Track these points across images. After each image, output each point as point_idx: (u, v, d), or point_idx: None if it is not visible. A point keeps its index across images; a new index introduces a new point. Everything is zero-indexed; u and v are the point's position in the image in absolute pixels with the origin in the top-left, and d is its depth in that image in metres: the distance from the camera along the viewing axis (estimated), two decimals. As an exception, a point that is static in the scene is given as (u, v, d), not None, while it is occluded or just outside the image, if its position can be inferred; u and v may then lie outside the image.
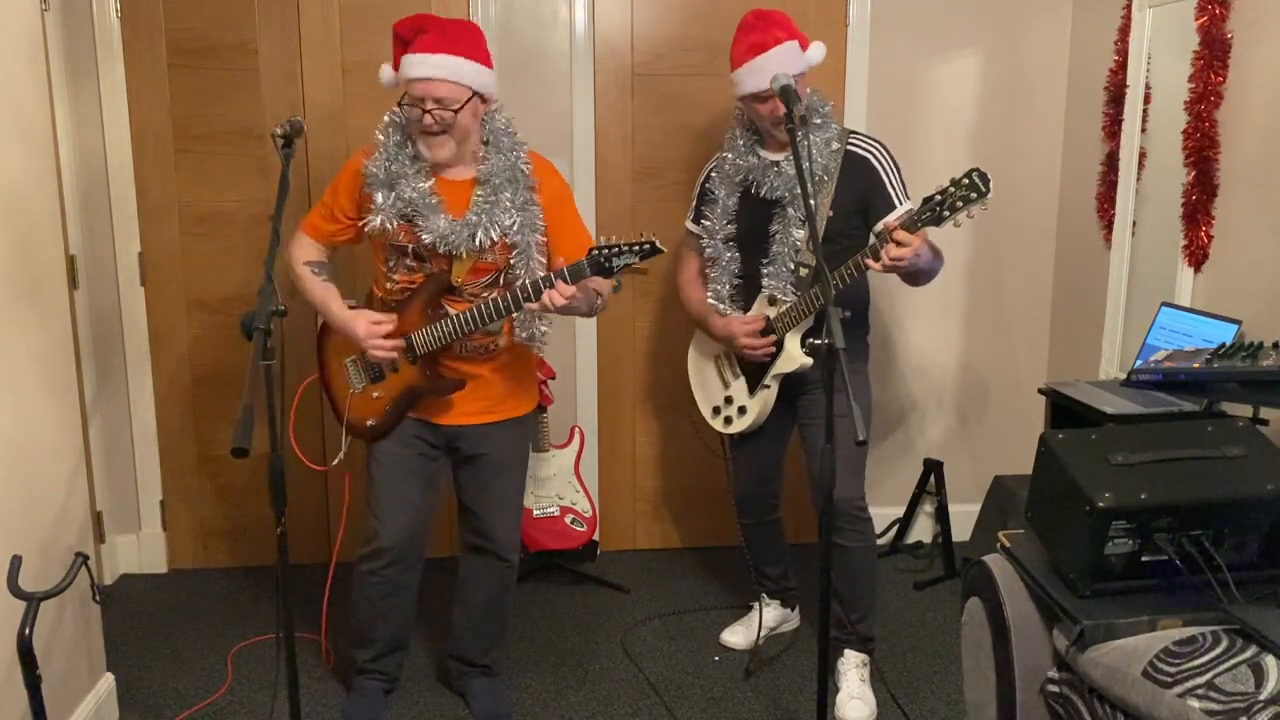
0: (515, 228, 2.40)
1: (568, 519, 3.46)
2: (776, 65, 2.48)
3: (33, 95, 2.32)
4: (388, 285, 2.48)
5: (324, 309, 2.49)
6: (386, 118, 2.42)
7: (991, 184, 2.27)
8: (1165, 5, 2.96)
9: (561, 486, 3.46)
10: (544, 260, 2.46)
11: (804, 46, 2.61)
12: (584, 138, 3.51)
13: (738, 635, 3.10)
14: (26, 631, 1.97)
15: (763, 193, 2.68)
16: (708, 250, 2.81)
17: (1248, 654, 1.56)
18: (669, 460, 3.78)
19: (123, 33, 3.31)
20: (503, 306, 2.35)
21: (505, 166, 2.40)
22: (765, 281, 2.69)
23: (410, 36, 2.32)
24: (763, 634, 3.05)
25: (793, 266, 2.65)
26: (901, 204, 2.65)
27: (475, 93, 2.33)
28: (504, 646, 2.88)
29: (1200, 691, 1.51)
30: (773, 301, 2.70)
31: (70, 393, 2.49)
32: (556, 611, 3.34)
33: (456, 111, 2.30)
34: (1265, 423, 2.34)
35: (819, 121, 2.65)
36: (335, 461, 2.54)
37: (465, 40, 2.32)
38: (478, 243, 2.38)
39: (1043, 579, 1.85)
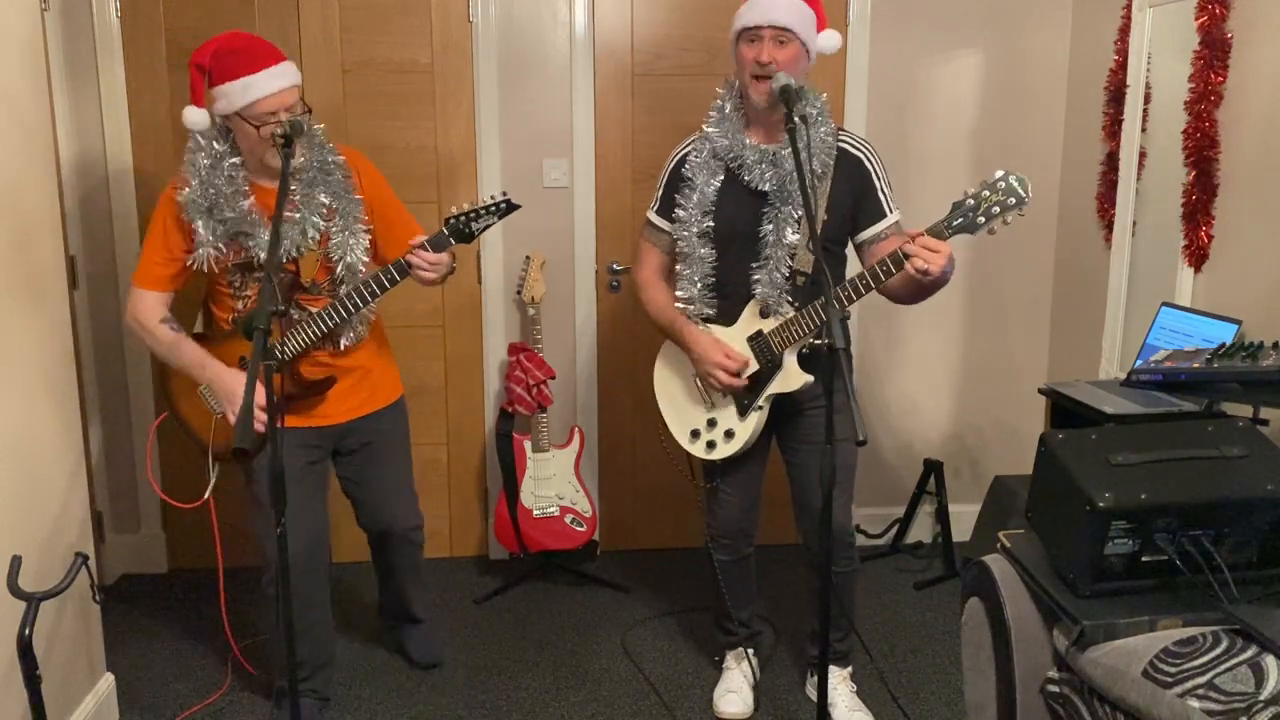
0: (334, 219, 2.43)
1: (568, 519, 3.46)
2: (785, 11, 2.33)
3: (32, 95, 2.32)
4: (238, 304, 2.48)
5: (199, 366, 2.45)
6: (190, 145, 2.39)
7: (1030, 188, 2.13)
8: (1165, 5, 2.96)
9: (561, 486, 3.46)
10: (368, 245, 2.49)
11: (820, 27, 2.44)
12: (584, 138, 3.51)
13: (735, 706, 2.73)
14: (26, 631, 1.97)
15: (752, 183, 2.43)
16: (680, 245, 2.51)
17: (1248, 654, 1.56)
18: (669, 460, 3.77)
19: (123, 33, 3.31)
20: (366, 295, 2.39)
21: (317, 161, 2.42)
22: (759, 290, 2.45)
23: (219, 62, 2.31)
24: (757, 697, 2.79)
25: (787, 273, 2.43)
26: (891, 213, 2.47)
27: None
28: (428, 598, 3.08)
29: (1200, 691, 1.51)
30: (765, 314, 2.47)
31: (70, 393, 2.50)
32: (556, 611, 3.34)
33: (307, 111, 2.35)
34: (1265, 423, 2.34)
35: (812, 113, 2.42)
36: (207, 494, 2.47)
37: (269, 46, 2.36)
38: (308, 238, 2.41)
39: (1043, 579, 1.85)
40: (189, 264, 2.42)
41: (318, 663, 2.66)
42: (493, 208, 2.32)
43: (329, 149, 2.46)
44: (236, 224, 2.37)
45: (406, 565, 2.88)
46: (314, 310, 2.44)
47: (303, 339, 2.44)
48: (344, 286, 2.46)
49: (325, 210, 2.43)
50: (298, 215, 2.40)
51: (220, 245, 2.39)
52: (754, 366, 2.50)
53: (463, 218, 2.33)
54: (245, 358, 2.45)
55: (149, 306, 2.47)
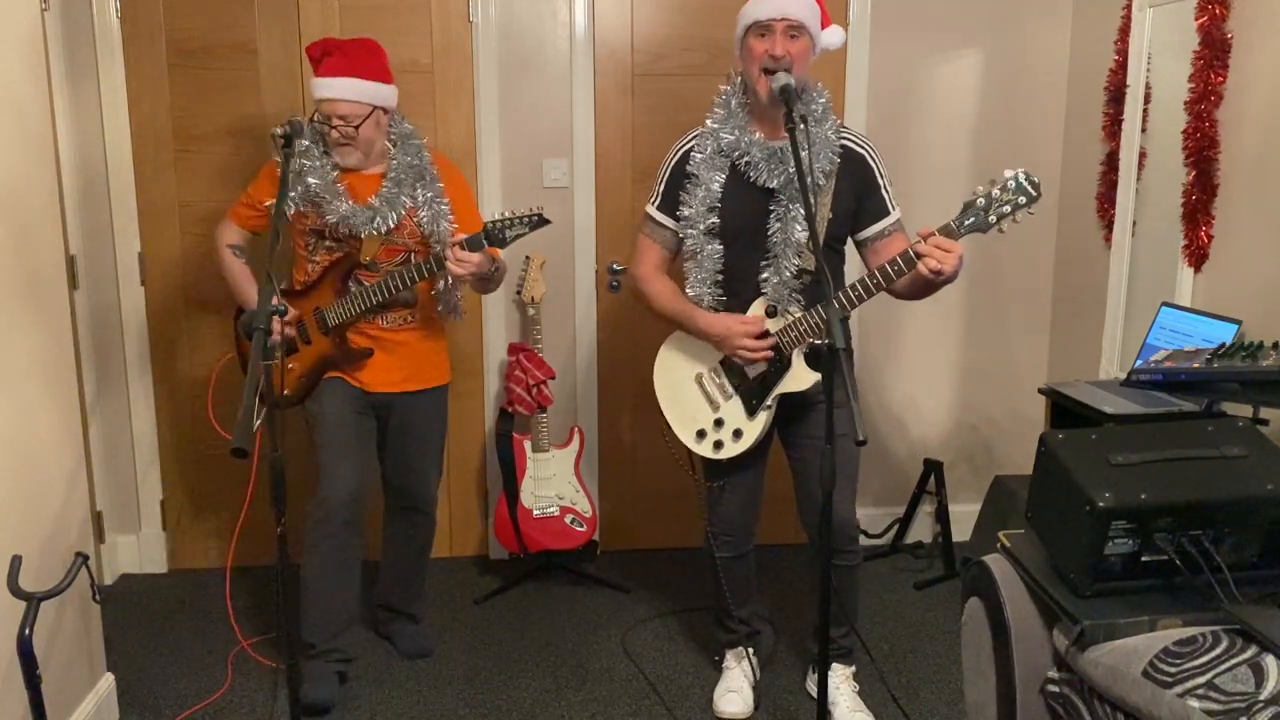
0: (427, 219, 2.70)
1: (568, 519, 3.46)
2: (797, 4, 2.32)
3: (32, 95, 2.32)
4: (309, 267, 2.77)
5: (241, 292, 2.80)
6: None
7: (1041, 186, 2.15)
8: (1165, 5, 2.96)
9: (561, 486, 3.46)
10: (451, 217, 2.73)
11: (824, 23, 2.43)
12: (584, 138, 3.52)
13: (735, 705, 2.72)
14: (26, 631, 1.97)
15: (759, 180, 2.42)
16: (689, 243, 2.51)
17: (1248, 654, 1.56)
18: (669, 460, 3.77)
19: (123, 33, 3.31)
20: (407, 279, 2.62)
21: (410, 165, 2.71)
22: (767, 289, 2.45)
23: (319, 58, 2.64)
24: (757, 697, 2.78)
25: (794, 271, 2.42)
26: (893, 211, 2.47)
27: (375, 107, 2.63)
28: (425, 595, 3.17)
29: (1200, 691, 1.51)
30: (772, 313, 2.46)
31: (70, 393, 2.50)
32: (556, 611, 3.34)
33: (358, 126, 2.61)
34: (1265, 423, 2.34)
35: (816, 109, 2.42)
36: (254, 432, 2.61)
37: (364, 61, 2.63)
38: (376, 225, 2.66)
39: (1043, 579, 1.85)
40: (265, 206, 2.73)
41: (345, 620, 2.78)
42: (526, 219, 2.52)
43: (423, 155, 2.73)
44: (319, 190, 2.63)
45: (417, 544, 3.04)
46: (367, 285, 2.67)
47: (352, 309, 2.69)
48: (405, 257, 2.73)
49: (407, 208, 2.69)
50: (377, 204, 2.66)
51: (298, 204, 2.66)
52: (761, 365, 2.49)
53: (499, 223, 2.52)
54: (318, 308, 2.74)
55: (224, 233, 2.83)
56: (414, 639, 3.07)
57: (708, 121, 2.50)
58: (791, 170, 2.38)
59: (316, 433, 2.75)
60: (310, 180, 2.62)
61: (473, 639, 3.16)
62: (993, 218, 2.16)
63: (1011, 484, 3.30)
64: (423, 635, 3.09)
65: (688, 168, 2.50)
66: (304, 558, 2.71)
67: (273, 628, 3.13)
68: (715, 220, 2.47)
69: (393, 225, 2.68)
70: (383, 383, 2.78)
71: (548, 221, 2.54)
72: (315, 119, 2.64)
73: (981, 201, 2.17)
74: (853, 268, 2.66)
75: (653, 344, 2.72)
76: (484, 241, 2.52)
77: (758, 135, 2.45)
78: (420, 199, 2.69)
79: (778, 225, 2.43)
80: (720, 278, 2.50)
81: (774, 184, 2.42)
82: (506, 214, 2.53)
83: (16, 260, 2.24)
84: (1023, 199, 2.14)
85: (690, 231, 2.49)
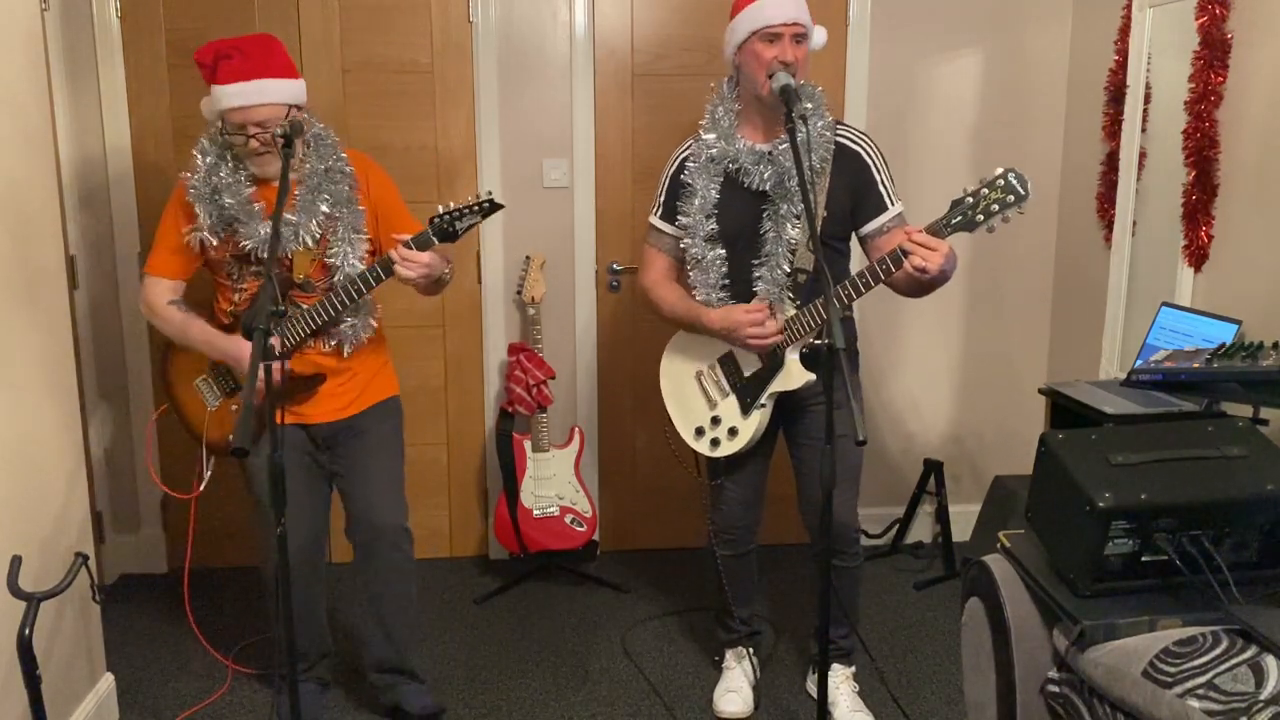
0: (335, 226, 2.44)
1: (568, 519, 3.46)
2: (802, 8, 2.36)
3: (32, 95, 2.32)
4: (236, 297, 2.50)
5: (207, 344, 2.49)
6: (201, 139, 2.44)
7: (1030, 185, 2.12)
8: (1165, 5, 2.96)
9: (561, 486, 3.46)
10: (366, 255, 2.49)
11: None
12: (584, 138, 3.52)
13: (735, 705, 2.73)
14: (26, 631, 1.97)
15: (752, 184, 2.44)
16: (691, 251, 2.53)
17: (1248, 654, 1.56)
18: (669, 460, 3.77)
19: (123, 33, 3.31)
20: (354, 291, 2.39)
21: (324, 168, 2.44)
22: (760, 288, 2.46)
23: (213, 63, 2.35)
24: (757, 697, 2.79)
25: (788, 270, 2.43)
26: (892, 205, 2.46)
27: (291, 106, 2.37)
28: (419, 649, 2.77)
29: (1200, 692, 1.51)
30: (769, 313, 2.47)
31: (70, 393, 2.50)
32: (556, 611, 3.34)
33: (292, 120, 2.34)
34: (1265, 423, 2.34)
35: (810, 105, 2.41)
36: (201, 486, 2.54)
37: (268, 59, 2.35)
38: (300, 241, 2.42)
39: (1043, 579, 1.85)
40: (185, 241, 2.45)
41: (315, 654, 2.73)
42: (475, 207, 2.30)
43: (339, 156, 2.47)
44: (234, 211, 2.39)
45: (392, 583, 2.63)
46: (305, 307, 2.44)
47: (293, 334, 2.44)
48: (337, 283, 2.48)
49: (324, 217, 2.43)
50: (295, 218, 2.40)
51: (219, 231, 2.42)
52: (756, 364, 2.51)
53: (447, 216, 2.31)
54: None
55: (158, 292, 2.51)
56: (422, 696, 2.70)
57: (700, 132, 2.52)
58: (783, 168, 2.41)
59: (254, 486, 2.54)
60: (225, 200, 2.38)
61: (473, 639, 3.16)
62: (980, 217, 2.15)
63: (1011, 484, 3.30)
64: (429, 692, 2.74)
65: (683, 176, 2.53)
66: (268, 599, 2.65)
67: (264, 629, 3.12)
68: (714, 227, 2.50)
69: (317, 237, 2.43)
70: (328, 411, 2.54)
71: (500, 206, 2.33)
72: (224, 131, 2.36)
73: (969, 200, 2.16)
74: (857, 266, 2.66)
75: (653, 343, 2.73)
76: (432, 238, 2.32)
77: (746, 140, 2.47)
78: (333, 230, 2.44)
79: (769, 225, 2.44)
80: (726, 282, 2.52)
81: (765, 187, 2.44)
82: (452, 206, 2.30)
83: (16, 260, 2.24)
84: (1011, 198, 2.12)
85: (690, 240, 2.52)
